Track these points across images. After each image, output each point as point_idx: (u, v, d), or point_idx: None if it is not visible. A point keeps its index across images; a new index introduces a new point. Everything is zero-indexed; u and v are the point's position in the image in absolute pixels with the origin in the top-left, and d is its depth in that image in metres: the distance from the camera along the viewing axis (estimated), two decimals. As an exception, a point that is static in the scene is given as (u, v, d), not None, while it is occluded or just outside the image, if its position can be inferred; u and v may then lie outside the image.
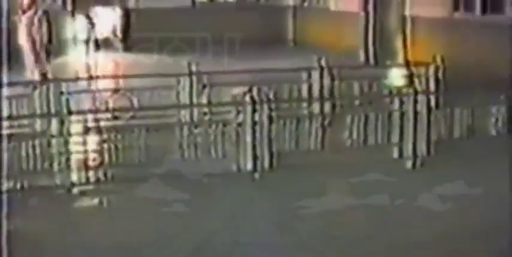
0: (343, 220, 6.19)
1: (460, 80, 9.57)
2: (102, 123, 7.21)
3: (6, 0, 11.00)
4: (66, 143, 6.80)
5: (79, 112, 7.23)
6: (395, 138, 7.67)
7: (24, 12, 11.59)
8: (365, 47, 14.91)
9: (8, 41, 9.53)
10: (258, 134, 7.18)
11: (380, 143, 7.69)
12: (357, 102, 9.24)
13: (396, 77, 10.20)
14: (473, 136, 7.97)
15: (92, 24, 13.62)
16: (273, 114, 7.26)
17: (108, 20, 17.50)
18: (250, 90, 7.27)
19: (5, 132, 6.82)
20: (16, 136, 6.84)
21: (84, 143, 6.87)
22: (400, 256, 5.56)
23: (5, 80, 9.06)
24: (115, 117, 8.15)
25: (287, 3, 18.13)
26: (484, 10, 11.79)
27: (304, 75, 9.55)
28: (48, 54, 11.36)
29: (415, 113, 7.61)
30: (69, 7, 15.54)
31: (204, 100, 9.06)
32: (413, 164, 7.61)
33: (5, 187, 6.31)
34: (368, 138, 7.67)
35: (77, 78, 9.70)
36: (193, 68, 9.16)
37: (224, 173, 7.11)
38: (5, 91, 8.51)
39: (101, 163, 6.93)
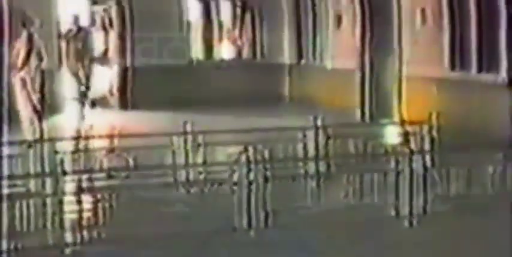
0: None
1: (456, 138, 9.58)
2: (97, 183, 7.18)
3: (6, 58, 11.07)
4: (61, 202, 6.75)
5: (74, 172, 7.21)
6: (391, 197, 7.63)
7: (18, 71, 11.64)
8: (361, 105, 14.96)
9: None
10: (253, 193, 7.15)
11: (376, 202, 7.67)
12: (352, 160, 9.23)
13: (392, 135, 10.22)
14: (470, 194, 7.94)
15: (85, 84, 13.67)
16: (268, 173, 7.24)
17: (104, 77, 17.61)
18: (245, 150, 7.25)
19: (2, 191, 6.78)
20: (10, 196, 6.79)
21: (79, 202, 6.82)
22: None
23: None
24: (110, 177, 8.12)
25: (283, 61, 18.23)
26: (479, 69, 11.86)
27: (300, 134, 9.55)
28: (42, 113, 11.38)
29: (411, 172, 7.59)
30: (65, 65, 15.59)
31: (200, 159, 9.04)
32: (410, 223, 7.57)
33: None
34: (364, 197, 7.64)
35: (72, 138, 9.70)
36: (188, 128, 9.16)
37: (219, 231, 7.06)
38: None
39: (96, 223, 6.88)
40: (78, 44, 14.95)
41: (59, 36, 15.41)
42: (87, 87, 13.68)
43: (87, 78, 14.63)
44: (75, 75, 14.57)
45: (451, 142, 9.39)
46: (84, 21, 18.04)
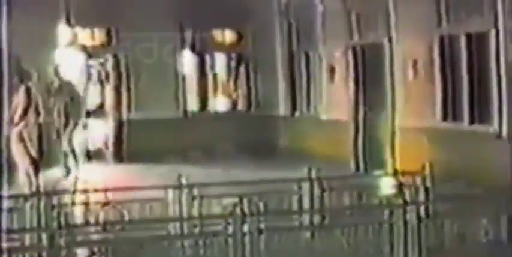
0: None
1: (450, 189, 9.61)
2: (92, 236, 7.20)
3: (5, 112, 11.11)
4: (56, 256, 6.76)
5: (69, 226, 7.22)
6: (386, 247, 7.65)
7: (15, 125, 11.68)
8: (355, 155, 15.04)
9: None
10: (247, 245, 7.16)
11: (371, 253, 7.67)
12: (347, 212, 9.25)
13: (386, 186, 10.25)
14: (464, 244, 7.95)
15: (70, 146, 13.60)
16: (263, 225, 7.26)
17: (100, 131, 17.69)
18: (240, 202, 7.28)
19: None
20: (6, 250, 6.80)
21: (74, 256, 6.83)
22: None
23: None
24: (104, 230, 8.13)
25: (278, 113, 18.35)
26: (472, 120, 11.95)
27: (295, 186, 9.59)
28: (39, 166, 11.41)
29: (405, 223, 7.62)
30: (62, 119, 15.64)
31: (195, 212, 9.06)
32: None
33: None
34: (359, 248, 7.65)
35: (67, 191, 9.73)
36: (183, 180, 9.20)
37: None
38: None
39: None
40: (64, 99, 14.10)
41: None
42: (73, 151, 13.51)
43: (70, 140, 14.01)
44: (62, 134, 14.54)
45: (444, 193, 9.42)
46: (79, 75, 18.21)
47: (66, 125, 13.40)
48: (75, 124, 13.41)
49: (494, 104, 11.39)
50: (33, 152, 11.47)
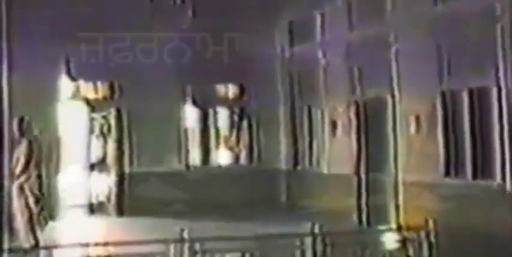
0: None
1: (453, 243, 9.54)
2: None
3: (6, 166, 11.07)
4: None
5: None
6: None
7: (16, 178, 11.66)
8: (358, 210, 14.97)
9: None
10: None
11: None
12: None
13: (389, 241, 10.17)
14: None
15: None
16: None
17: (102, 184, 17.67)
18: (242, 257, 7.23)
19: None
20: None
21: None
22: None
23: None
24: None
25: (280, 167, 18.32)
26: (474, 175, 11.92)
27: (297, 241, 9.51)
28: (39, 220, 11.35)
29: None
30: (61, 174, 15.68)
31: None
32: None
33: None
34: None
35: (68, 245, 9.66)
36: (185, 235, 9.14)
37: None
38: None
39: None
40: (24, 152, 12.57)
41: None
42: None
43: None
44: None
45: (447, 247, 9.35)
46: (81, 128, 18.27)
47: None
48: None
49: (497, 159, 11.37)
50: (34, 206, 11.42)
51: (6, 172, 10.98)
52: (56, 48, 15.84)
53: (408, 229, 10.37)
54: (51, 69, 16.30)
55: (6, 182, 11.35)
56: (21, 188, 11.54)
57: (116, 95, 17.74)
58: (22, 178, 11.60)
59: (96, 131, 18.33)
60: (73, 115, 17.96)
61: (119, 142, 17.75)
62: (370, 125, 14.98)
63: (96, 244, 10.68)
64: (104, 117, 18.06)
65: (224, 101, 18.67)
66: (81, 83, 17.51)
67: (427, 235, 9.65)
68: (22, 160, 11.81)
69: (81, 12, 15.66)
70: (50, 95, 16.39)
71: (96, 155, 18.25)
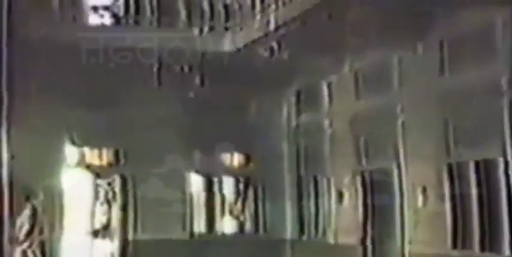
0: None
1: None
2: None
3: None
4: None
5: None
6: None
7: (20, 244, 11.61)
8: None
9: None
10: None
11: None
12: None
13: None
14: None
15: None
16: None
17: (106, 251, 17.57)
18: None
19: None
20: None
21: None
22: None
23: None
24: None
25: (285, 236, 18.20)
26: (482, 248, 11.83)
27: None
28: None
29: None
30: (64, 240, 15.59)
31: None
32: None
33: None
34: None
35: None
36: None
37: None
38: None
39: None
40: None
41: None
42: None
43: None
44: None
45: None
46: (87, 194, 18.24)
47: None
48: None
49: (505, 231, 11.30)
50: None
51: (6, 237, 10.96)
52: (60, 116, 15.90)
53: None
54: (55, 136, 16.32)
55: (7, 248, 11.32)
56: (24, 254, 11.46)
57: (121, 162, 17.75)
58: (25, 244, 11.54)
59: (101, 197, 18.28)
60: (78, 181, 17.93)
61: (123, 209, 17.69)
62: (377, 196, 14.93)
63: None
64: (109, 184, 18.04)
65: (230, 170, 18.64)
66: (86, 150, 17.54)
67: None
68: (26, 226, 11.79)
69: (88, 81, 15.75)
70: (54, 162, 16.39)
71: (100, 221, 18.17)
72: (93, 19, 15.87)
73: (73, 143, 16.91)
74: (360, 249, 15.03)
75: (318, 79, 16.76)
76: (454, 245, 12.37)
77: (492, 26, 11.53)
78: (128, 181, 17.68)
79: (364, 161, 15.23)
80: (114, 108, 16.40)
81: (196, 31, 15.96)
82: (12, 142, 11.13)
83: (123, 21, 15.96)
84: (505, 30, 11.31)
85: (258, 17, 14.93)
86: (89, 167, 17.78)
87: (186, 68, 16.20)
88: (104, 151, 17.71)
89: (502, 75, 11.32)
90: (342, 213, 16.08)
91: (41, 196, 12.92)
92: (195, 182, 18.44)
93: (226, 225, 18.95)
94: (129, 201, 17.67)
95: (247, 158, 18.60)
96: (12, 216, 11.94)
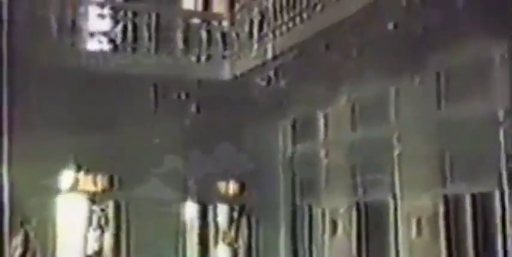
0: None
1: None
2: None
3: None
4: None
5: None
6: None
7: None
8: None
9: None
10: None
11: None
12: None
13: None
14: None
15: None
16: None
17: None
18: None
19: None
20: None
21: None
22: None
23: None
24: None
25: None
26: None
27: None
28: None
29: None
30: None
31: None
32: None
33: None
34: None
35: None
36: None
37: None
38: None
39: None
40: None
41: None
42: None
43: None
44: None
45: None
46: (80, 220, 18.14)
47: None
48: None
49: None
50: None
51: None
52: (55, 143, 15.86)
53: None
54: (51, 161, 16.27)
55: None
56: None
57: (115, 188, 17.69)
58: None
59: (94, 223, 18.20)
60: (71, 207, 17.85)
61: (116, 235, 17.60)
62: (371, 226, 14.89)
63: None
64: (103, 210, 17.96)
65: (225, 198, 18.59)
66: (81, 175, 17.49)
67: None
68: (19, 251, 11.77)
69: (83, 108, 15.75)
70: (49, 188, 16.33)
71: (92, 247, 18.06)
72: (92, 45, 15.90)
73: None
74: (353, 280, 14.99)
75: (314, 109, 16.78)
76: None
77: (489, 58, 11.59)
78: (122, 207, 17.61)
79: (359, 192, 15.21)
80: (110, 134, 16.37)
81: (193, 59, 16.02)
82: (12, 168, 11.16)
83: (121, 48, 15.99)
84: (502, 63, 11.36)
85: (256, 46, 15.01)
86: (83, 192, 17.72)
87: (183, 95, 16.23)
88: (99, 177, 17.67)
89: (499, 106, 11.36)
90: (336, 243, 16.03)
91: (34, 222, 12.85)
92: (189, 210, 18.39)
93: (220, 253, 18.87)
94: (122, 227, 17.59)
95: (242, 187, 18.57)
96: (11, 241, 11.92)
